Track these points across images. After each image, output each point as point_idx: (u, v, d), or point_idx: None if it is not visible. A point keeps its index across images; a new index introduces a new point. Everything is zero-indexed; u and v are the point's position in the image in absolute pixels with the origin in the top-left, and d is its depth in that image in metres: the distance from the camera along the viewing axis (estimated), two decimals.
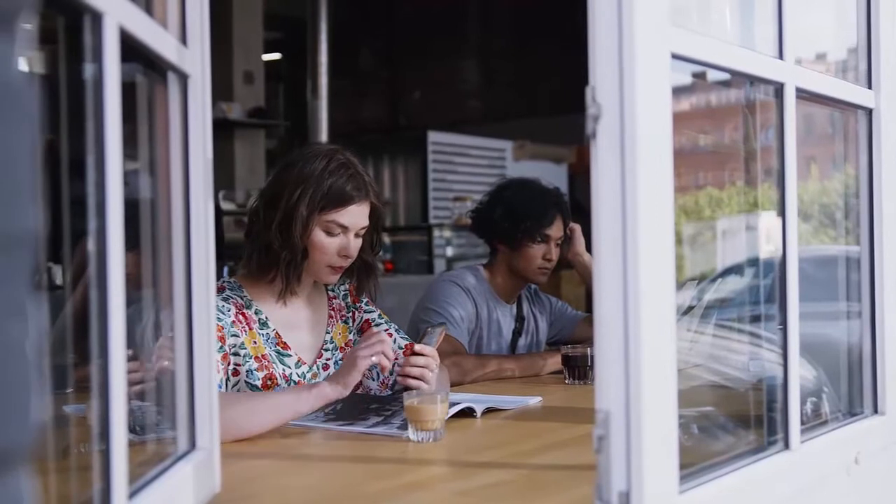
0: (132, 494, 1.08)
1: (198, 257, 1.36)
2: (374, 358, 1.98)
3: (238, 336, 2.12)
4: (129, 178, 1.10)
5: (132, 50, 1.11)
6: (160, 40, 1.22)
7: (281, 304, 2.24)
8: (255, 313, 2.21)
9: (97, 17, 0.99)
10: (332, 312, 2.36)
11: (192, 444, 1.36)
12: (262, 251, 2.19)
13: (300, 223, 2.14)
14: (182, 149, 1.35)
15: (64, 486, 1.17)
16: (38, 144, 0.59)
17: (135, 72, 1.26)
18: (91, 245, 1.00)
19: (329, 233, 2.18)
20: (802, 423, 1.53)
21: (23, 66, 0.57)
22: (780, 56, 1.50)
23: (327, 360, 2.31)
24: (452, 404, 2.01)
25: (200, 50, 1.39)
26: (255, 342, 2.17)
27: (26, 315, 0.57)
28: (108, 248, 1.00)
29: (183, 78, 1.35)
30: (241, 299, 2.20)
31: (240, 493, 1.50)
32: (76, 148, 1.04)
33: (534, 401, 2.32)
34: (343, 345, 2.35)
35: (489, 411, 2.16)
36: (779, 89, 1.50)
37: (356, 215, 2.20)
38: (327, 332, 2.33)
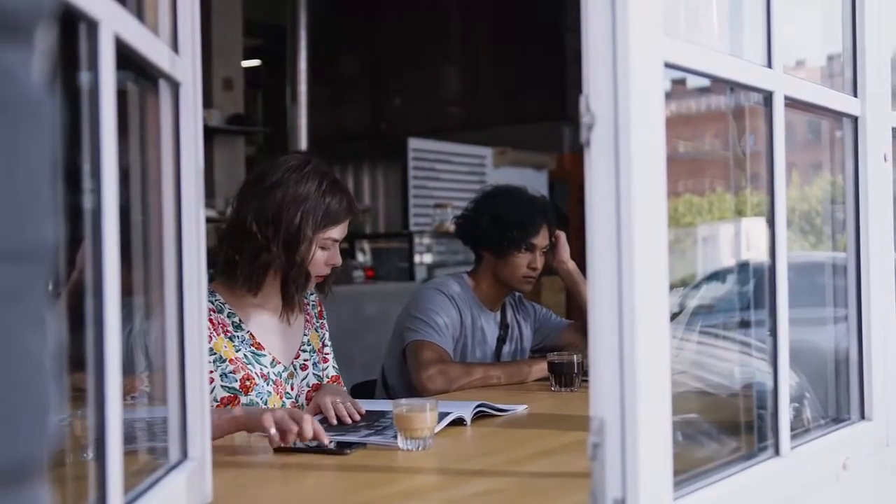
0: None
1: (189, 265, 1.36)
2: (272, 431, 1.80)
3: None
4: (120, 186, 1.09)
5: (125, 58, 1.11)
6: (153, 48, 1.21)
7: (258, 308, 2.30)
8: (228, 317, 2.26)
9: (93, 26, 0.99)
10: (308, 317, 2.44)
11: (184, 454, 1.35)
12: (261, 269, 2.23)
13: (306, 245, 2.23)
14: (173, 156, 1.35)
15: (55, 496, 1.16)
16: (57, 155, 0.59)
17: (126, 79, 1.25)
18: (87, 253, 0.99)
19: (323, 248, 2.27)
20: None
21: (41, 77, 0.57)
22: (769, 65, 1.51)
23: (305, 360, 2.38)
24: (442, 414, 2.01)
25: (192, 58, 1.38)
26: (225, 346, 2.21)
27: (45, 326, 0.56)
28: (103, 257, 0.99)
29: (174, 86, 1.34)
30: (212, 304, 2.22)
31: (231, 502, 1.49)
32: (68, 155, 1.04)
33: (521, 408, 2.33)
34: (317, 349, 2.43)
35: (479, 417, 2.16)
36: (768, 97, 1.51)
37: (345, 228, 2.32)
38: (304, 335, 2.40)
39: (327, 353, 2.49)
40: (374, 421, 2.11)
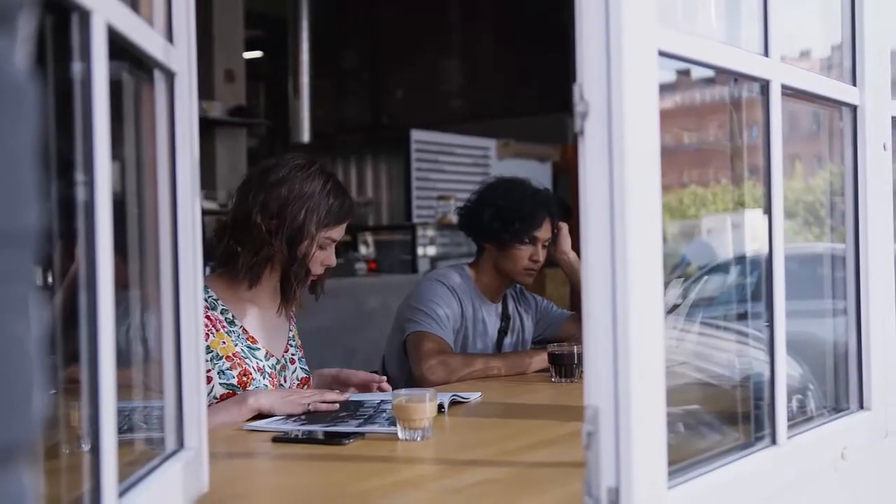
0: (121, 493, 1.07)
1: (185, 257, 1.36)
2: (310, 407, 2.12)
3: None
4: (116, 178, 1.09)
5: (118, 48, 1.11)
6: (147, 38, 1.21)
7: (249, 303, 2.34)
8: (221, 313, 2.28)
9: (85, 15, 0.99)
10: (292, 315, 2.48)
11: (181, 444, 1.36)
12: (263, 262, 2.27)
13: (308, 241, 2.26)
14: (169, 147, 1.35)
15: (51, 486, 1.17)
16: (39, 142, 0.59)
17: (121, 70, 1.25)
18: (80, 246, 1.00)
19: (321, 247, 2.31)
20: (789, 419, 1.53)
21: (23, 62, 0.57)
22: (766, 53, 1.51)
23: (292, 355, 2.43)
24: None
25: (187, 48, 1.38)
26: (223, 342, 2.25)
27: (29, 312, 0.57)
28: (96, 249, 0.99)
29: (169, 76, 1.34)
30: (206, 301, 2.23)
31: (228, 492, 1.50)
32: (62, 147, 1.04)
33: (474, 396, 2.36)
34: (299, 345, 2.49)
35: (481, 408, 2.17)
36: (764, 86, 1.51)
37: (343, 230, 2.37)
38: (290, 330, 2.45)
39: (292, 357, 2.49)
40: (355, 410, 2.12)
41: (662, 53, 1.23)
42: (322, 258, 2.32)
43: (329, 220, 2.29)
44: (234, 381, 2.22)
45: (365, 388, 2.40)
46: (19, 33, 0.56)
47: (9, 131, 0.55)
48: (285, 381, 2.36)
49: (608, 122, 1.15)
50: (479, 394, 2.39)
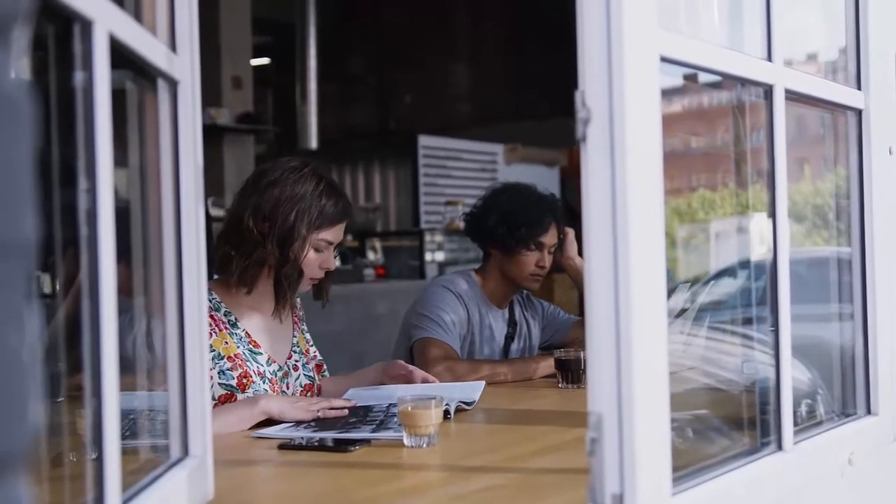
0: (125, 502, 1.08)
1: (189, 264, 1.36)
2: (319, 413, 2.11)
3: None
4: (118, 186, 1.09)
5: (121, 57, 1.11)
6: (149, 47, 1.22)
7: (251, 308, 2.33)
8: (225, 315, 2.29)
9: (87, 25, 0.99)
10: (296, 320, 2.48)
11: (185, 452, 1.36)
12: (256, 265, 2.27)
13: (299, 242, 2.26)
14: (172, 155, 1.35)
15: (55, 494, 1.17)
16: (35, 152, 0.59)
17: (124, 78, 1.26)
18: (82, 254, 1.00)
19: (317, 249, 2.31)
20: (796, 424, 1.53)
21: (19, 73, 0.57)
22: (769, 58, 1.50)
23: (296, 361, 2.43)
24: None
25: (190, 56, 1.38)
26: (226, 343, 2.25)
27: (24, 322, 0.57)
28: (99, 257, 1.00)
29: (173, 84, 1.34)
30: (210, 303, 2.24)
31: (233, 500, 1.50)
32: (64, 155, 1.04)
33: (479, 387, 2.39)
34: (304, 350, 2.47)
35: (484, 411, 2.19)
36: (768, 91, 1.50)
37: (341, 232, 2.35)
38: (294, 337, 2.44)
39: (315, 351, 2.52)
40: (364, 416, 2.11)
41: (664, 59, 1.23)
42: (319, 261, 2.31)
43: (321, 221, 2.27)
44: (234, 383, 2.22)
45: (407, 380, 2.43)
46: (15, 45, 0.56)
47: (5, 143, 0.55)
48: (288, 388, 2.36)
49: (610, 128, 1.15)
50: (483, 383, 2.42)
